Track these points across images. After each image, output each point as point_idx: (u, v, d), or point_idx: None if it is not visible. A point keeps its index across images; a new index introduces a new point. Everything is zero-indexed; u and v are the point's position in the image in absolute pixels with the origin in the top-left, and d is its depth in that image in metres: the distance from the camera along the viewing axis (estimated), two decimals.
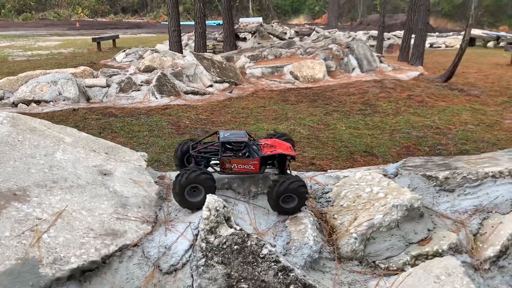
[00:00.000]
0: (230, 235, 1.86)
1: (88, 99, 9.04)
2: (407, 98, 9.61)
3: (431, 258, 2.11)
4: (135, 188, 2.22)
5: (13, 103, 8.52)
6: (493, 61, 16.33)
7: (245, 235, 1.87)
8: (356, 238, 2.17)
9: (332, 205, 2.46)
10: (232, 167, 2.41)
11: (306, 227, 2.16)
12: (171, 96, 9.31)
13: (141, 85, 9.50)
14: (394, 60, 14.59)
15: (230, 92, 10.24)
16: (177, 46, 12.59)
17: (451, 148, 6.53)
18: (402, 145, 6.75)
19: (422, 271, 2.05)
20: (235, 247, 1.84)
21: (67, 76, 9.06)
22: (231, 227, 1.89)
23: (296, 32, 26.08)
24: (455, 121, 7.95)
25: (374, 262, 2.16)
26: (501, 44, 19.63)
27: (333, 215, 2.41)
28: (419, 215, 2.27)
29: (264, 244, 1.85)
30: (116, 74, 9.77)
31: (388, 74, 11.75)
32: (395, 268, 2.13)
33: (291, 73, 11.70)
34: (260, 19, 31.66)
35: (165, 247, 1.88)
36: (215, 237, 1.85)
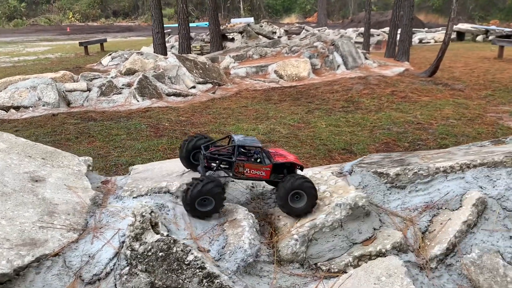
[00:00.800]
0: (155, 241, 1.78)
1: (68, 103, 8.94)
2: (391, 94, 9.54)
3: (374, 259, 2.03)
4: (68, 194, 2.13)
5: None
6: (480, 54, 16.28)
7: (171, 241, 1.78)
8: (297, 240, 2.09)
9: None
10: (245, 171, 2.41)
11: (244, 230, 2.07)
12: (153, 99, 9.23)
13: (123, 88, 9.40)
14: (381, 57, 14.54)
15: (213, 93, 10.16)
16: (161, 48, 12.50)
17: (431, 143, 6.46)
18: (381, 141, 6.68)
19: (363, 273, 1.97)
20: (160, 254, 1.76)
21: (46, 81, 8.95)
22: (157, 233, 1.81)
23: (285, 31, 25.98)
24: (437, 116, 7.88)
25: (315, 264, 2.08)
26: (490, 37, 19.59)
27: (278, 216, 2.33)
28: (365, 214, 2.18)
29: (190, 250, 1.77)
30: (97, 78, 9.67)
31: (373, 71, 11.68)
32: (337, 270, 2.04)
33: (276, 72, 11.62)
34: (251, 19, 31.60)
35: (89, 256, 1.80)
36: (140, 244, 1.77)
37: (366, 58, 12.21)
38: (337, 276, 2.01)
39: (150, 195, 2.28)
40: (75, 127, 7.51)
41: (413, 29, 23.37)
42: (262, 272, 1.99)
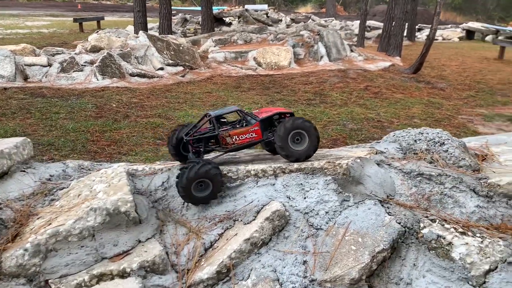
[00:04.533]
0: None
1: (26, 78, 8.67)
2: (364, 89, 9.01)
3: (116, 279, 1.64)
4: None
5: None
6: (483, 54, 15.47)
7: None
8: (26, 250, 1.70)
9: (50, 205, 1.98)
10: (234, 140, 2.22)
11: None
12: (114, 78, 8.88)
13: (84, 65, 9.08)
14: (374, 50, 13.91)
15: (183, 76, 9.77)
16: (141, 27, 12.10)
17: None
18: (331, 137, 6.23)
19: None
20: None
21: (4, 53, 8.67)
22: None
23: (292, 19, 25.34)
24: (402, 114, 7.37)
25: (47, 281, 1.69)
26: (499, 37, 18.67)
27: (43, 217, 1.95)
28: (128, 222, 1.78)
29: None
30: (60, 53, 9.36)
31: (356, 64, 11.11)
32: None
33: (255, 59, 11.15)
34: (265, 6, 30.97)
35: None
36: None
37: (351, 51, 11.64)
38: None
39: None
40: (19, 102, 7.23)
41: (422, 25, 22.51)
42: None
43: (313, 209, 1.88)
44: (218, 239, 1.84)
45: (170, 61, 9.93)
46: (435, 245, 1.81)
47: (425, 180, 2.12)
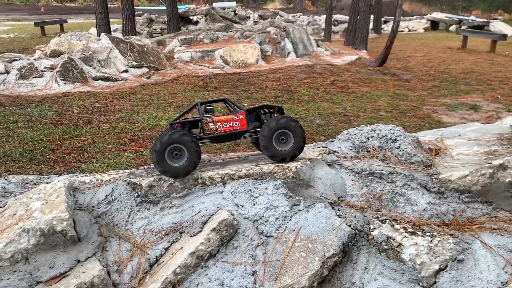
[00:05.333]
0: None
1: None
2: (331, 83, 9.03)
3: None
4: None
5: None
6: (447, 44, 15.77)
7: None
8: None
9: None
10: (217, 127, 2.19)
11: None
12: (76, 83, 8.63)
13: (44, 71, 8.79)
14: (340, 44, 13.99)
15: (148, 78, 9.59)
16: (104, 30, 11.81)
17: None
18: None
19: None
20: None
21: None
22: None
23: (260, 16, 25.31)
24: (368, 107, 7.40)
25: None
26: (462, 27, 19.06)
27: None
28: (65, 241, 1.68)
29: None
30: (18, 60, 9.03)
31: (323, 59, 11.14)
32: None
33: (222, 57, 11.04)
34: (233, 4, 30.77)
35: None
36: None
37: (318, 46, 11.66)
38: None
39: None
40: None
41: (388, 17, 22.80)
42: None
43: (263, 216, 1.81)
44: (164, 253, 1.76)
45: (135, 63, 9.73)
46: (385, 247, 1.78)
47: (376, 179, 2.08)
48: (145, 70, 9.86)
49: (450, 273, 1.64)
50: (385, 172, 2.09)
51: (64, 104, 7.48)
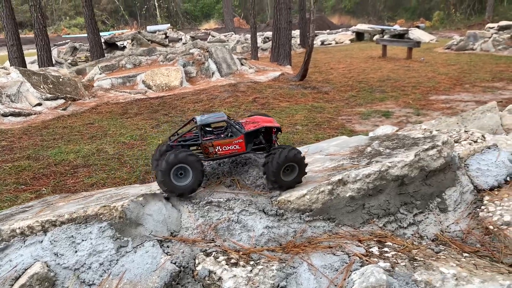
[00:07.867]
0: None
1: None
2: (252, 101, 9.07)
3: None
4: None
5: None
6: (369, 54, 16.44)
7: None
8: None
9: None
10: (216, 150, 2.22)
11: None
12: None
13: None
14: (266, 61, 14.20)
15: (64, 109, 9.19)
16: (17, 63, 11.26)
17: None
18: None
19: None
20: None
21: None
22: None
23: (192, 37, 25.32)
24: (286, 122, 7.47)
25: None
26: (385, 37, 20.01)
27: None
28: None
29: None
30: None
31: (248, 77, 11.21)
32: None
33: (144, 82, 10.84)
34: (167, 26, 30.58)
35: None
36: None
37: (242, 64, 11.74)
38: None
39: None
40: None
41: (316, 31, 23.53)
42: None
43: (85, 263, 1.68)
44: None
45: (49, 95, 9.32)
46: (208, 282, 1.69)
47: (214, 208, 2.01)
48: (61, 101, 9.46)
49: None
50: (222, 199, 2.02)
51: None
